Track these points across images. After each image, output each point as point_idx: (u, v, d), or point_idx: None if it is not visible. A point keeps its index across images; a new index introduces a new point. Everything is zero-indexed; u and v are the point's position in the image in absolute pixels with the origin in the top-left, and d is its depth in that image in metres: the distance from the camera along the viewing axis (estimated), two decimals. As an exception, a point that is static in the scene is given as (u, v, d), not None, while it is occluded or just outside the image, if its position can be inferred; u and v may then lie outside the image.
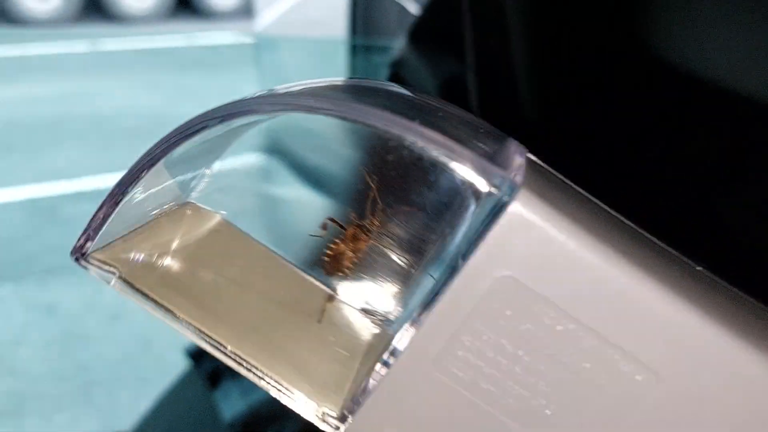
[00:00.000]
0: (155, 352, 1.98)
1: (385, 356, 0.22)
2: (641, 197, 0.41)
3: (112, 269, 0.24)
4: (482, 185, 0.20)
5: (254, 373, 0.23)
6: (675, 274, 0.21)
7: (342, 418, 0.23)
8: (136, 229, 0.25)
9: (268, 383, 0.23)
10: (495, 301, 0.21)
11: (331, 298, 0.26)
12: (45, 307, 2.16)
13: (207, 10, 6.09)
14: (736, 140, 0.39)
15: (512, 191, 0.20)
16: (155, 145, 0.22)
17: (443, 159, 0.20)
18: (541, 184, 0.21)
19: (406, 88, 0.26)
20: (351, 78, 0.25)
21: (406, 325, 0.21)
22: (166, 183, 0.25)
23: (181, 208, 0.27)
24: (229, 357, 0.23)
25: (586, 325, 0.20)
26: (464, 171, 0.20)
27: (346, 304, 0.26)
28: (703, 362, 0.20)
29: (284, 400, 0.23)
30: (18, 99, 3.91)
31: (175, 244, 0.26)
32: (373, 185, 0.25)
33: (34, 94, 4.00)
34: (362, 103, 0.21)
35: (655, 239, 0.23)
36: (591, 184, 0.44)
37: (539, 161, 0.23)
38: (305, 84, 0.25)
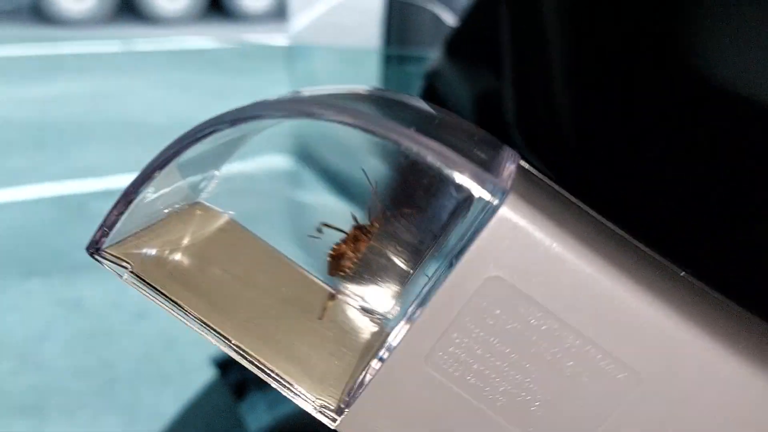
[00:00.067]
0: (178, 351, 1.99)
1: (381, 352, 0.23)
2: (683, 221, 0.41)
3: (124, 264, 0.25)
4: (474, 190, 0.21)
5: (256, 365, 0.24)
6: (657, 278, 0.22)
7: (338, 411, 0.24)
8: (148, 227, 0.26)
9: (269, 375, 0.24)
10: (484, 301, 0.22)
11: (332, 296, 0.28)
12: (71, 302, 2.19)
13: (238, 12, 6.13)
14: None
15: (502, 196, 0.21)
16: (167, 148, 0.23)
17: (437, 165, 0.21)
18: (530, 191, 0.22)
19: (415, 99, 0.27)
20: (370, 87, 0.26)
21: (401, 323, 0.22)
22: (178, 184, 0.26)
23: (191, 207, 0.28)
24: (233, 349, 0.24)
25: (569, 325, 0.21)
26: (457, 177, 0.21)
27: (347, 302, 0.28)
28: (683, 363, 0.21)
29: (284, 392, 0.24)
30: (51, 97, 3.95)
31: (184, 242, 0.27)
32: (373, 188, 0.27)
33: (67, 92, 4.04)
34: (364, 110, 0.22)
35: (640, 244, 0.24)
36: (626, 202, 0.44)
37: (531, 168, 0.24)
38: (319, 90, 0.26)
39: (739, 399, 0.22)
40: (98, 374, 1.92)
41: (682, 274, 0.24)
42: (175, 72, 4.52)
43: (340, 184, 0.28)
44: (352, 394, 0.23)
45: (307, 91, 0.26)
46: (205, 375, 0.83)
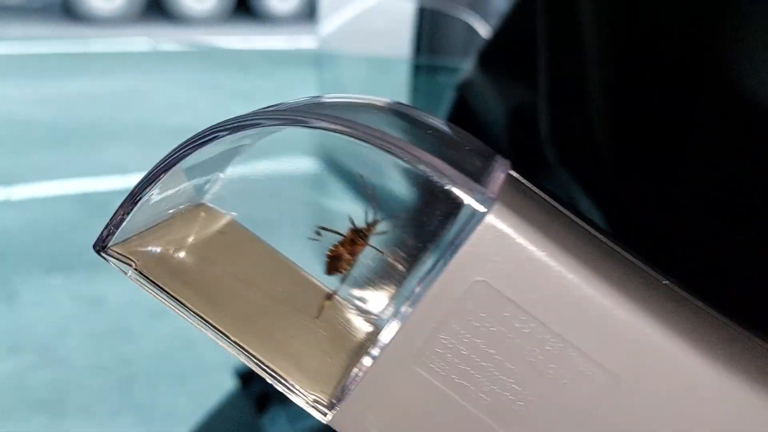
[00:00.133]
0: (196, 351, 2.01)
1: (372, 350, 0.24)
2: (722, 242, 0.41)
3: (129, 261, 0.26)
4: (462, 199, 0.22)
5: (252, 361, 0.25)
6: (638, 285, 0.23)
7: (330, 406, 0.25)
8: (153, 227, 0.27)
9: (265, 371, 0.25)
10: (470, 304, 0.23)
11: (329, 296, 0.29)
12: (92, 299, 2.21)
13: (265, 14, 6.15)
14: None
15: (488, 205, 0.22)
16: (171, 152, 0.25)
17: (428, 174, 0.22)
18: (517, 199, 0.23)
19: (412, 109, 0.28)
20: (375, 97, 0.27)
21: (392, 322, 0.23)
22: (183, 185, 0.27)
23: (195, 208, 0.29)
24: (231, 345, 0.26)
25: (551, 329, 0.22)
26: (447, 185, 0.22)
27: (343, 302, 0.29)
28: (660, 368, 0.22)
29: (279, 387, 0.25)
30: (78, 95, 3.99)
31: (187, 242, 0.28)
32: (369, 193, 0.28)
33: (94, 90, 4.07)
34: (355, 120, 0.23)
35: (625, 253, 0.25)
36: (660, 222, 0.44)
37: (520, 178, 0.25)
38: (329, 98, 0.27)
39: (715, 405, 0.22)
40: (116, 371, 1.93)
41: (665, 282, 0.25)
42: (201, 72, 4.55)
43: (359, 188, 0.28)
44: (343, 390, 0.24)
45: (317, 98, 0.27)
46: (222, 376, 0.83)
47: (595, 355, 0.22)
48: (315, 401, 0.25)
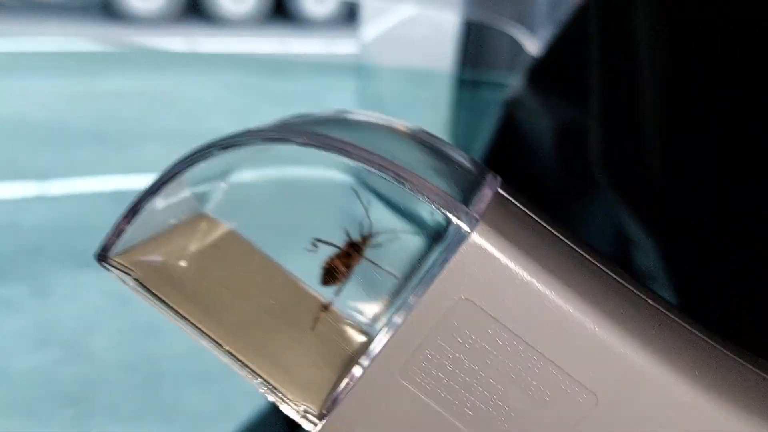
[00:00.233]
0: (222, 350, 2.01)
1: (362, 361, 0.24)
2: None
3: (129, 272, 0.27)
4: (448, 218, 0.23)
5: (246, 371, 0.26)
6: (621, 306, 0.23)
7: (320, 416, 0.25)
8: (154, 237, 0.28)
9: (257, 380, 0.26)
10: (455, 321, 0.23)
11: (325, 307, 0.29)
12: (121, 296, 2.22)
13: (302, 18, 6.17)
14: None
15: (473, 224, 0.23)
16: (172, 166, 0.25)
17: (415, 193, 0.23)
18: (503, 219, 0.24)
19: (409, 125, 0.28)
20: (367, 112, 0.27)
21: (380, 335, 0.24)
22: (184, 195, 0.28)
23: (196, 219, 0.30)
24: (225, 354, 0.26)
25: (533, 348, 0.23)
26: (433, 204, 0.23)
27: (338, 314, 0.29)
28: (639, 388, 0.23)
29: (271, 398, 0.26)
30: (115, 93, 4.02)
31: (186, 252, 0.29)
32: (364, 207, 0.28)
33: (130, 89, 4.10)
34: (346, 138, 0.24)
35: (613, 273, 0.25)
36: (713, 256, 0.43)
37: (509, 196, 0.25)
38: (318, 115, 0.28)
39: (693, 426, 0.23)
40: (143, 369, 1.94)
41: (652, 303, 0.25)
42: (237, 74, 4.57)
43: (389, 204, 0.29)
44: (333, 401, 0.25)
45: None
46: (261, 409, 0.83)
47: (576, 374, 0.23)
48: (305, 411, 0.26)
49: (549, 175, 0.65)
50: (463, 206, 0.23)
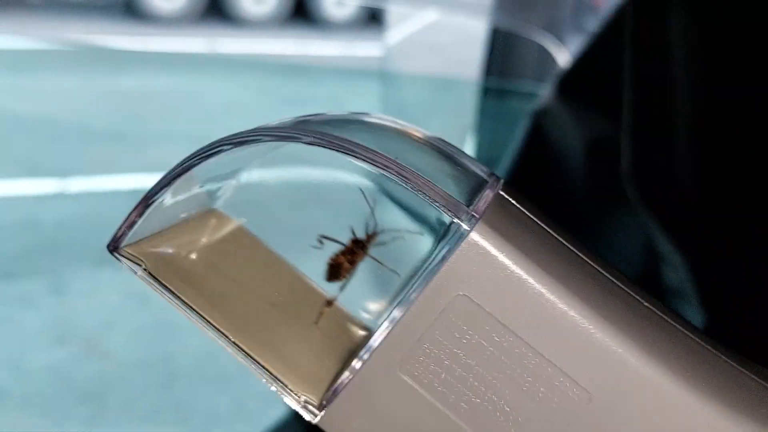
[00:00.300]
0: (239, 352, 2.01)
1: (362, 354, 0.25)
2: None
3: (139, 262, 0.27)
4: (448, 217, 0.24)
5: (249, 361, 0.27)
6: (616, 306, 0.24)
7: (320, 407, 0.26)
8: (164, 230, 0.29)
9: (260, 371, 0.27)
10: (453, 317, 0.24)
11: (329, 302, 0.30)
12: (139, 295, 2.22)
13: (322, 20, 6.17)
14: None
15: (472, 223, 0.23)
16: (183, 161, 0.26)
17: (417, 193, 0.24)
18: (502, 219, 0.24)
19: (412, 128, 0.29)
20: (375, 114, 0.28)
21: (380, 330, 0.25)
22: (196, 191, 0.29)
23: (206, 214, 0.30)
24: (230, 345, 0.27)
25: (528, 344, 0.24)
26: (435, 204, 0.24)
27: (342, 309, 0.30)
28: (632, 387, 0.23)
29: (273, 388, 0.27)
30: (134, 91, 4.03)
31: (195, 246, 0.29)
32: (369, 206, 0.29)
33: (150, 88, 4.12)
34: (354, 139, 0.24)
35: (609, 274, 0.26)
36: (749, 275, 0.42)
37: (510, 198, 0.26)
38: (331, 115, 0.29)
39: (685, 426, 0.23)
40: (159, 368, 1.95)
41: (647, 305, 0.25)
42: (256, 75, 4.57)
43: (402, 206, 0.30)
44: (333, 393, 0.25)
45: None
46: (281, 417, 0.84)
47: (570, 372, 0.23)
48: (306, 402, 0.26)
49: (577, 187, 0.65)
50: (463, 205, 0.24)
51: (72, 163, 3.14)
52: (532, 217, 0.26)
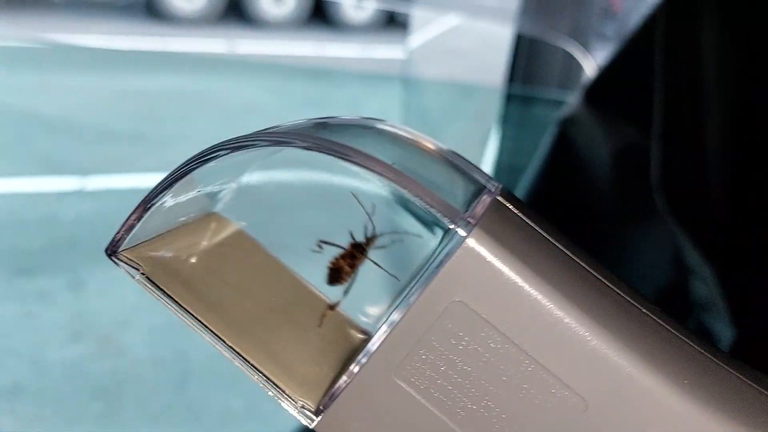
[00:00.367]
0: (252, 350, 2.02)
1: (360, 359, 0.25)
2: None
3: (137, 266, 0.28)
4: (445, 223, 0.24)
5: (247, 366, 0.27)
6: (612, 313, 0.24)
7: (317, 412, 0.26)
8: (164, 233, 0.29)
9: (257, 375, 0.27)
10: (449, 323, 0.24)
11: (330, 307, 0.30)
12: (154, 293, 2.23)
13: (341, 22, 6.18)
14: None
15: (468, 229, 0.23)
16: (182, 164, 0.26)
17: (414, 198, 0.24)
18: (498, 225, 0.24)
19: (411, 132, 0.29)
20: (376, 119, 0.28)
21: (377, 335, 0.25)
22: (195, 194, 0.29)
23: (206, 218, 0.30)
24: (227, 349, 0.27)
25: (524, 351, 0.23)
26: (431, 209, 0.24)
27: (342, 313, 0.30)
28: (627, 394, 0.23)
29: (271, 393, 0.27)
30: (154, 91, 4.05)
31: (194, 250, 0.29)
32: (366, 211, 0.29)
33: (170, 88, 4.14)
34: (355, 144, 0.24)
35: (607, 281, 0.26)
36: None
37: (508, 204, 0.26)
38: (337, 120, 0.29)
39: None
40: (173, 366, 1.96)
41: (645, 312, 0.25)
42: (275, 76, 4.58)
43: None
44: (330, 398, 0.26)
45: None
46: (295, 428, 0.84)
47: (566, 379, 0.23)
48: (303, 407, 0.26)
49: (605, 196, 0.64)
50: (459, 211, 0.24)
51: (90, 161, 3.16)
52: (529, 223, 0.26)
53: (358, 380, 0.25)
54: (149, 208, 0.27)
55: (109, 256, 0.27)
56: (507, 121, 1.46)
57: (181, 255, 0.29)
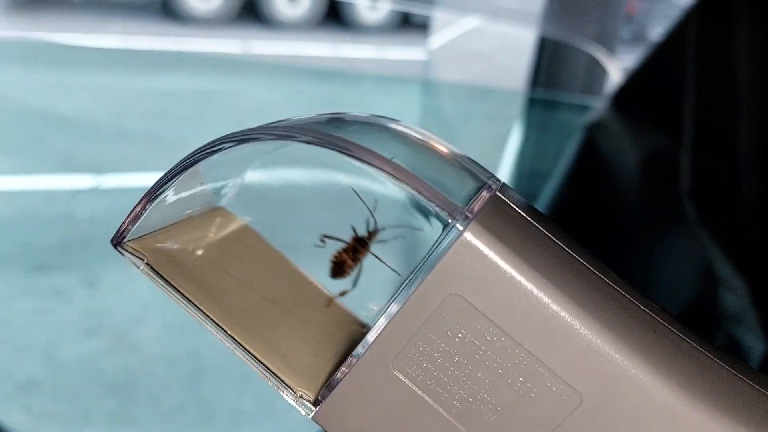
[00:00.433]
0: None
1: (358, 350, 0.25)
2: None
3: (141, 257, 0.28)
4: (444, 216, 0.24)
5: (247, 356, 0.27)
6: (608, 308, 0.24)
7: (316, 402, 0.26)
8: (168, 225, 0.29)
9: (257, 365, 0.27)
10: (446, 315, 0.24)
11: (331, 300, 0.31)
12: (168, 291, 2.24)
13: (355, 23, 6.18)
14: None
15: (466, 223, 0.24)
16: (186, 157, 0.27)
17: (414, 193, 0.24)
18: (496, 219, 0.24)
19: (410, 127, 0.29)
20: (376, 115, 0.28)
21: (375, 327, 0.25)
22: (201, 188, 0.29)
23: (212, 211, 0.31)
24: (228, 339, 0.27)
25: (520, 344, 0.24)
26: (429, 203, 0.24)
27: (343, 305, 0.30)
28: (623, 389, 0.23)
29: (270, 383, 0.27)
30: (169, 91, 4.07)
31: (199, 243, 0.30)
32: (367, 207, 0.30)
33: (185, 88, 4.15)
34: (346, 138, 0.25)
35: (605, 277, 0.26)
36: None
37: (507, 199, 0.26)
38: (336, 115, 0.29)
39: (677, 429, 0.23)
40: (186, 364, 1.97)
41: (642, 308, 0.26)
42: (290, 77, 4.59)
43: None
44: (329, 388, 0.26)
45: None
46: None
47: (561, 373, 0.24)
48: (301, 397, 0.27)
49: (632, 204, 0.63)
50: (457, 205, 0.24)
51: (106, 159, 3.17)
52: (528, 218, 0.26)
53: (355, 371, 0.25)
54: (155, 198, 0.27)
55: (115, 246, 0.28)
56: (530, 125, 1.45)
57: (185, 247, 0.29)
